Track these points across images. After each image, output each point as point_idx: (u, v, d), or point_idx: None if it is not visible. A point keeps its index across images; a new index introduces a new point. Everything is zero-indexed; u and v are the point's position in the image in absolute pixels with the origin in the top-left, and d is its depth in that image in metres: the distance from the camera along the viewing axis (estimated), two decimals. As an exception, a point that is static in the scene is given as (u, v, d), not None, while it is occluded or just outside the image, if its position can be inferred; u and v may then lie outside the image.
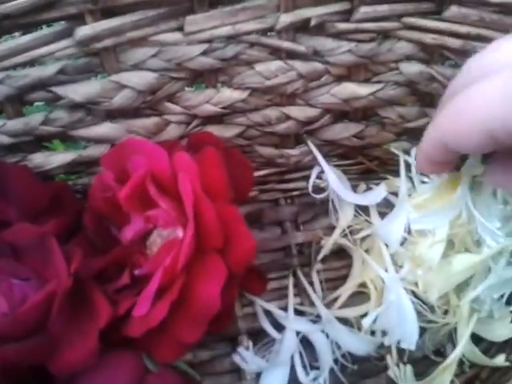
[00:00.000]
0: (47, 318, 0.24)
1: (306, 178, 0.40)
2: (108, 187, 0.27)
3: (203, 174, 0.26)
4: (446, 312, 0.36)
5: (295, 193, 0.41)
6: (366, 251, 0.39)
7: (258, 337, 0.36)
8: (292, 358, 0.35)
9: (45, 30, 0.27)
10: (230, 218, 0.25)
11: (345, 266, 0.39)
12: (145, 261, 0.27)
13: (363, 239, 0.39)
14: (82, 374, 0.27)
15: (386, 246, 0.37)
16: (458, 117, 0.19)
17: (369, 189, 0.40)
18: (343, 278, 0.39)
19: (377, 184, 0.39)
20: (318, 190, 0.39)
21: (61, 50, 0.27)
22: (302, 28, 0.31)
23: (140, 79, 0.30)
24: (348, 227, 0.39)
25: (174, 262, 0.24)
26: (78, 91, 0.29)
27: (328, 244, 0.39)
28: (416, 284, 0.32)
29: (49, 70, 0.28)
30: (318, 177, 0.40)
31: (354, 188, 0.41)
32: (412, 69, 0.33)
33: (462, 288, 0.35)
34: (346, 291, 0.38)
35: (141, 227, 0.27)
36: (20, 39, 0.27)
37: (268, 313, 0.37)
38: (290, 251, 0.39)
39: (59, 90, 0.28)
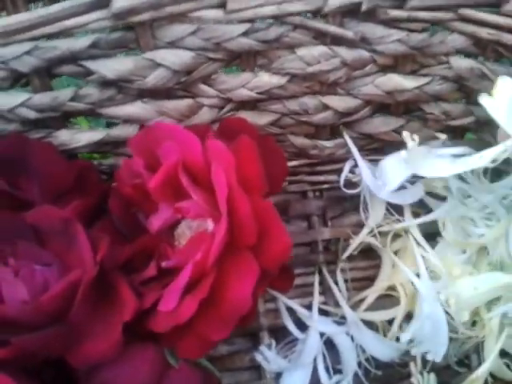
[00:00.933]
0: (69, 307, 0.23)
1: (337, 172, 0.38)
2: (137, 174, 0.25)
3: (238, 164, 0.25)
4: (474, 323, 0.35)
5: (325, 186, 0.39)
6: (396, 253, 0.37)
7: (280, 334, 0.35)
8: (315, 359, 0.33)
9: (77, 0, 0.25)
10: (266, 214, 0.24)
11: (372, 267, 0.38)
12: (173, 253, 0.25)
13: (394, 239, 0.37)
14: (102, 365, 0.26)
15: (420, 247, 0.35)
16: None
17: (402, 187, 0.38)
18: (370, 279, 0.37)
19: (411, 182, 0.37)
20: (350, 184, 0.37)
21: (94, 22, 0.25)
22: (351, 12, 0.29)
23: (176, 58, 0.28)
24: (378, 226, 0.37)
25: (205, 257, 0.23)
26: (109, 67, 0.27)
27: (355, 242, 0.37)
28: (447, 301, 0.31)
29: (80, 42, 0.26)
30: (350, 171, 0.38)
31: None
32: (463, 64, 0.31)
33: (492, 301, 0.33)
34: (373, 293, 0.36)
35: (169, 216, 0.26)
36: (51, 8, 0.25)
37: (291, 310, 0.35)
38: (316, 247, 0.38)
39: (90, 65, 0.27)
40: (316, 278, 0.36)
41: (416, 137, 0.30)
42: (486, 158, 0.28)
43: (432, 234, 0.36)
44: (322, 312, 0.36)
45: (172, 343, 0.25)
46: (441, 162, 0.31)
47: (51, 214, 0.25)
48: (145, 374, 0.27)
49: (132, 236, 0.27)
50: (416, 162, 0.32)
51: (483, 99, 0.25)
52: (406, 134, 0.31)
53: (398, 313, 0.35)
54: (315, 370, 0.33)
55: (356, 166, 0.37)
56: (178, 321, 0.23)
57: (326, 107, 0.33)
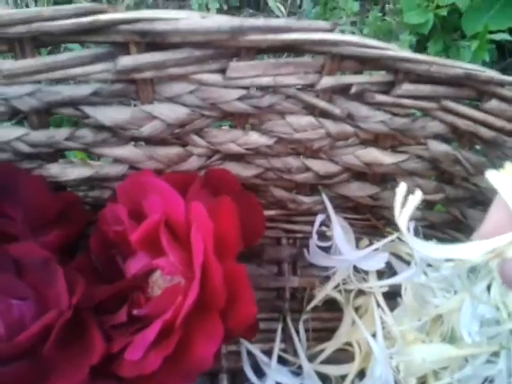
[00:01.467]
0: (42, 344, 0.24)
1: (313, 223, 0.40)
2: (120, 221, 0.26)
3: (216, 226, 0.26)
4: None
5: (299, 235, 0.41)
6: (358, 308, 0.39)
7: (238, 377, 0.36)
8: (267, 405, 0.35)
9: (84, 51, 0.26)
10: (237, 278, 0.25)
11: (334, 319, 0.40)
12: (145, 301, 0.27)
13: (357, 296, 0.39)
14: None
15: (380, 309, 0.37)
16: None
17: (371, 244, 0.40)
18: (331, 330, 0.39)
19: (379, 241, 0.39)
20: (324, 237, 0.39)
21: (98, 73, 0.27)
22: (341, 91, 0.31)
23: (172, 112, 0.29)
24: (344, 282, 0.39)
25: (175, 316, 0.24)
26: (107, 115, 0.28)
27: (320, 295, 0.39)
28: (397, 367, 0.33)
29: (82, 90, 0.27)
30: (326, 224, 0.40)
31: (358, 241, 0.41)
32: (439, 148, 0.33)
33: (440, 370, 0.35)
34: (331, 347, 0.38)
35: (146, 264, 0.27)
36: (58, 56, 0.26)
37: (251, 353, 0.37)
38: (284, 294, 0.40)
39: (89, 111, 0.28)
40: (279, 327, 0.38)
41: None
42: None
43: (395, 294, 0.38)
44: (281, 359, 0.37)
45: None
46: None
47: (33, 250, 0.26)
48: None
49: (108, 275, 0.29)
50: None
51: (490, 174, 0.20)
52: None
53: (352, 369, 0.37)
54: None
55: (330, 220, 0.39)
56: (142, 371, 0.24)
57: (307, 169, 0.35)
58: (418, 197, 0.21)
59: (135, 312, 0.26)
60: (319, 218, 0.40)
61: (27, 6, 0.60)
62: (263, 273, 0.40)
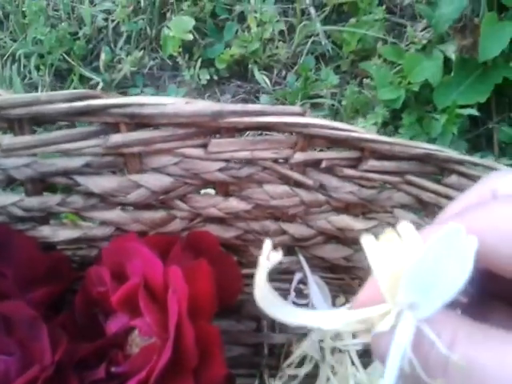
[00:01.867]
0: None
1: (290, 281, 0.42)
2: (103, 282, 0.29)
3: (193, 288, 0.28)
4: None
5: (277, 292, 0.43)
6: (334, 366, 0.41)
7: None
8: None
9: (77, 129, 0.29)
10: (209, 340, 0.27)
11: (310, 376, 0.41)
12: (123, 359, 0.28)
13: (333, 352, 0.41)
14: None
15: (353, 367, 0.39)
16: None
17: (347, 302, 0.42)
18: (307, 386, 0.40)
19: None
20: (301, 295, 0.41)
21: (89, 148, 0.30)
22: (313, 164, 0.33)
23: (157, 181, 0.32)
24: (320, 340, 0.41)
25: (149, 375, 0.26)
26: (97, 183, 0.31)
27: (296, 353, 0.40)
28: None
29: (75, 162, 0.30)
30: (303, 282, 0.42)
31: (334, 299, 0.43)
32: (405, 216, 0.36)
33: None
34: (305, 404, 0.39)
35: (125, 324, 0.29)
36: (53, 134, 0.29)
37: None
38: (262, 350, 0.41)
39: (80, 180, 0.31)
40: (256, 382, 0.39)
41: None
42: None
43: (370, 352, 0.40)
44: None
45: None
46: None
47: (22, 309, 0.28)
48: None
49: (90, 332, 0.30)
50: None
51: (364, 239, 0.17)
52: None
53: (324, 428, 0.38)
54: None
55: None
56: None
57: (284, 232, 0.37)
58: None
59: (113, 369, 0.27)
60: (297, 276, 0.42)
61: (30, 73, 0.64)
62: (242, 328, 0.42)
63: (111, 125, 0.29)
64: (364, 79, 0.58)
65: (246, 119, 0.30)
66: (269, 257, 0.15)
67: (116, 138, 0.29)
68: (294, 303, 0.41)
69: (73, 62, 0.63)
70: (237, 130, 0.31)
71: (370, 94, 0.56)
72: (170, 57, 0.66)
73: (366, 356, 0.40)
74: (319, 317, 0.15)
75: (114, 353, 0.29)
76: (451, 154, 0.32)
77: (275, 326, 0.42)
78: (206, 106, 0.29)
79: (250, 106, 0.29)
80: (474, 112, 0.53)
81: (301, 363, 0.41)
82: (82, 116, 0.28)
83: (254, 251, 0.40)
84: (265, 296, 0.15)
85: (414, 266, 0.14)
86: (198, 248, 0.34)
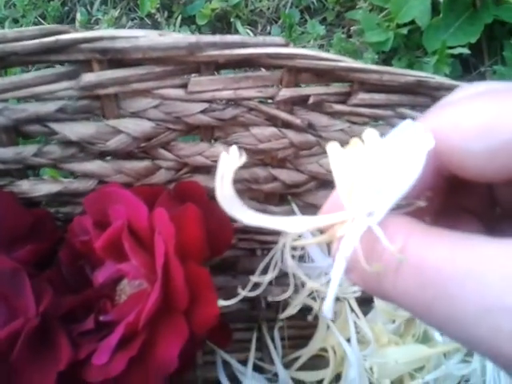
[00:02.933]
0: (10, 352, 0.25)
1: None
2: (86, 231, 0.27)
3: (181, 231, 0.27)
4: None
5: (272, 245, 0.42)
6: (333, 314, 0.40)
7: (214, 387, 0.37)
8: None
9: (49, 70, 0.28)
10: (200, 281, 0.26)
11: (310, 326, 0.40)
12: (111, 308, 0.27)
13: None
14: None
15: (353, 314, 0.38)
16: (478, 103, 0.14)
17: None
18: (307, 338, 0.40)
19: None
20: (297, 246, 0.40)
21: (62, 91, 0.28)
22: (301, 102, 0.32)
23: (137, 127, 0.30)
24: (317, 289, 0.40)
25: (138, 317, 0.25)
26: (73, 130, 0.29)
27: (294, 303, 0.39)
28: (371, 369, 0.33)
29: (48, 107, 0.28)
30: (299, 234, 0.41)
31: (330, 247, 0.42)
32: (399, 153, 0.35)
33: (417, 370, 0.36)
34: (306, 354, 0.38)
35: (112, 273, 0.28)
36: (23, 75, 0.27)
37: (227, 363, 0.37)
38: (259, 304, 0.40)
39: (55, 127, 0.29)
40: (254, 336, 0.38)
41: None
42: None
43: (369, 300, 0.39)
44: (257, 368, 0.38)
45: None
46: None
47: (2, 262, 0.27)
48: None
49: (78, 286, 0.29)
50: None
51: (330, 146, 0.16)
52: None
53: (327, 374, 0.37)
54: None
55: (302, 230, 0.40)
56: (109, 374, 0.25)
57: (274, 178, 0.36)
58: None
59: (101, 318, 0.26)
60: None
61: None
62: (238, 284, 0.41)
63: (83, 63, 0.28)
64: (351, 27, 0.56)
65: (227, 52, 0.28)
66: (232, 158, 0.14)
67: (89, 78, 0.28)
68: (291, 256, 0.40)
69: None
70: (217, 67, 0.30)
71: (357, 41, 0.54)
72: (149, 15, 0.63)
73: (366, 304, 0.39)
74: (282, 221, 0.15)
75: (103, 303, 0.28)
76: (442, 81, 0.31)
77: (272, 279, 0.41)
78: (181, 38, 0.27)
79: (230, 37, 0.28)
80: (465, 51, 0.51)
81: (299, 314, 0.40)
82: (52, 54, 0.26)
83: (246, 203, 0.38)
84: (227, 197, 0.14)
85: (369, 167, 0.14)
86: (186, 198, 0.32)
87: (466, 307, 0.11)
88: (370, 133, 0.15)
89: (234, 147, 0.14)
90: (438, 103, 0.16)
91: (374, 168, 0.14)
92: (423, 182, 0.14)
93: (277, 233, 0.43)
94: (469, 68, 0.56)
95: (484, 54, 0.55)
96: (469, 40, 0.51)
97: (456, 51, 0.51)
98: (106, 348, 0.25)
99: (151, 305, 0.24)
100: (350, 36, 0.56)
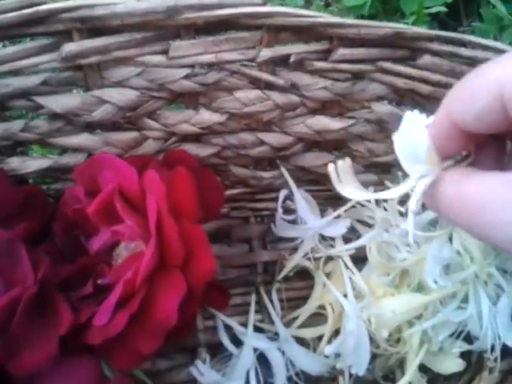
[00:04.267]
0: (11, 319, 0.25)
1: (277, 200, 0.41)
2: (78, 200, 0.28)
3: (172, 192, 0.28)
4: (398, 340, 0.38)
5: (265, 212, 0.43)
6: (328, 274, 0.41)
7: (217, 350, 0.37)
8: (248, 373, 0.36)
9: (30, 43, 0.28)
10: (194, 238, 0.27)
11: (307, 287, 0.41)
12: (109, 271, 0.28)
13: (326, 262, 0.41)
14: (41, 377, 0.28)
15: (348, 270, 0.39)
16: (466, 83, 0.18)
17: (338, 216, 0.41)
18: (304, 298, 0.41)
19: (344, 210, 0.41)
20: (289, 210, 0.41)
21: (45, 63, 0.28)
22: (282, 62, 0.32)
23: (121, 96, 0.31)
24: (312, 250, 0.40)
25: (135, 275, 0.25)
26: (58, 102, 0.30)
27: (289, 265, 0.40)
28: (368, 319, 0.34)
29: (31, 80, 0.29)
30: (290, 199, 0.41)
31: (323, 212, 0.42)
32: (383, 108, 0.35)
33: (414, 319, 0.37)
34: (305, 312, 0.39)
35: (108, 239, 0.28)
36: (4, 50, 0.28)
37: (228, 327, 0.38)
38: (256, 269, 0.41)
39: (40, 100, 0.29)
40: (253, 297, 0.39)
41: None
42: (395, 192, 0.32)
43: (363, 259, 0.40)
44: (258, 329, 0.38)
45: (106, 356, 0.28)
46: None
47: (-3, 234, 0.27)
48: (81, 384, 0.29)
49: (74, 256, 0.30)
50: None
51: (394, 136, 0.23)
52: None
53: (326, 330, 0.38)
54: (248, 383, 0.36)
55: (293, 194, 0.40)
56: (110, 334, 0.25)
57: (262, 142, 0.36)
58: (347, 162, 0.24)
59: (99, 281, 0.27)
60: (282, 192, 0.41)
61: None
62: (234, 252, 0.42)
63: (64, 34, 0.28)
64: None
65: (205, 13, 0.28)
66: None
67: (70, 47, 0.28)
68: (283, 220, 0.41)
69: None
70: (197, 31, 0.30)
71: (336, 8, 0.55)
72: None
73: (359, 262, 0.39)
74: (381, 193, 0.22)
75: (100, 268, 0.28)
76: (420, 31, 0.31)
77: (266, 244, 0.42)
78: (159, 2, 0.27)
79: (207, -1, 0.28)
80: (442, 9, 0.52)
81: (296, 277, 0.41)
82: (31, 26, 0.27)
83: (235, 170, 0.39)
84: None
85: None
86: (176, 165, 0.33)
87: (493, 219, 0.16)
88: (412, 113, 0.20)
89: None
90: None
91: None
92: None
93: (268, 199, 0.43)
94: (447, 29, 0.56)
95: (461, 13, 0.55)
96: (445, 0, 0.51)
97: (433, 10, 0.51)
98: (106, 308, 0.26)
99: (147, 261, 0.25)
100: (328, 5, 0.56)
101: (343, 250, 0.40)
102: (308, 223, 0.40)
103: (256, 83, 0.33)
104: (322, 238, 0.41)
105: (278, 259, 0.41)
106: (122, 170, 0.27)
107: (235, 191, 0.41)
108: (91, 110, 0.31)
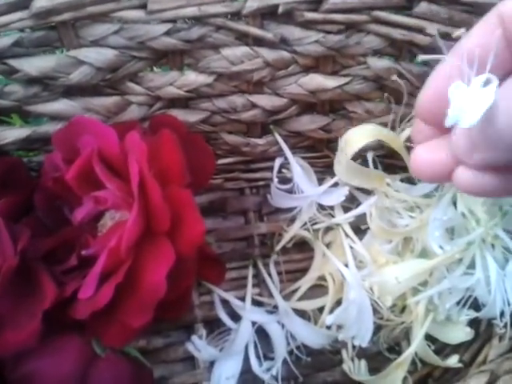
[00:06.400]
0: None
1: (272, 169, 0.39)
2: (57, 167, 0.26)
3: (157, 156, 0.26)
4: (403, 310, 0.37)
5: (260, 183, 0.41)
6: (328, 244, 0.39)
7: (214, 326, 0.36)
8: (246, 348, 0.35)
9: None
10: (182, 202, 0.25)
11: (306, 259, 0.39)
12: (93, 242, 0.26)
13: (325, 232, 0.39)
14: (28, 356, 0.27)
15: (348, 239, 0.37)
16: None
17: (336, 184, 0.40)
18: (304, 271, 0.39)
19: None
20: (285, 180, 0.39)
21: (16, 22, 0.26)
22: (270, 15, 0.30)
23: (99, 55, 0.29)
24: (310, 220, 0.39)
25: (119, 243, 0.23)
26: (33, 65, 0.28)
27: (287, 236, 0.38)
28: (371, 288, 0.33)
29: (3, 41, 0.27)
30: (286, 167, 0.40)
31: (320, 181, 0.40)
32: (380, 64, 0.33)
33: (419, 288, 0.35)
34: (305, 284, 0.38)
35: (91, 209, 0.27)
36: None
37: (226, 302, 0.36)
38: (253, 241, 0.39)
39: (14, 63, 0.27)
40: (250, 270, 0.37)
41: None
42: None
43: (363, 230, 0.38)
44: (257, 303, 0.37)
45: (95, 332, 0.26)
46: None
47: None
48: (71, 363, 0.27)
49: (57, 228, 0.28)
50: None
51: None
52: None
53: (327, 301, 0.36)
54: (247, 358, 0.34)
55: (289, 162, 0.39)
56: (97, 306, 0.23)
57: (253, 105, 0.34)
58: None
59: (83, 252, 0.25)
60: (278, 161, 0.39)
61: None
62: (230, 225, 0.40)
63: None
64: None
65: (183, -40, 0.26)
66: None
67: (41, 3, 0.26)
68: (279, 189, 0.39)
69: None
70: (177, -19, 0.28)
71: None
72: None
73: (360, 233, 0.38)
74: None
75: (84, 239, 0.27)
76: (417, -26, 0.29)
77: (263, 216, 0.40)
78: None
79: None
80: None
81: (295, 248, 0.40)
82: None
83: (226, 137, 0.37)
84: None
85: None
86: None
87: None
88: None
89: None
90: None
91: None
92: None
93: (263, 169, 0.41)
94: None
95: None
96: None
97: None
98: (91, 280, 0.24)
99: (130, 226, 0.23)
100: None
101: (343, 218, 0.38)
102: (305, 192, 0.38)
103: (243, 39, 0.31)
104: (321, 207, 0.39)
105: (276, 231, 0.39)
106: (101, 132, 0.25)
107: (228, 160, 0.39)
108: (68, 72, 0.29)
